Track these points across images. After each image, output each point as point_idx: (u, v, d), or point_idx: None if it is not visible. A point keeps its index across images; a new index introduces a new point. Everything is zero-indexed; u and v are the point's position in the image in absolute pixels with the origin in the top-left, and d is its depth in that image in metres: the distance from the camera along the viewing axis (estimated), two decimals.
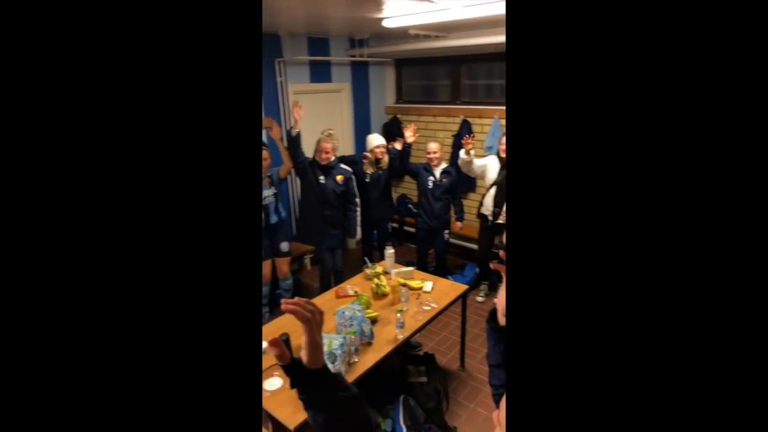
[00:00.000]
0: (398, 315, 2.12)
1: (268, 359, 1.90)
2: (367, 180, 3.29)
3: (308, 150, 3.03)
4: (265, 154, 2.85)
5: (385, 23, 2.91)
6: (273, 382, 1.74)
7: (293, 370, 0.61)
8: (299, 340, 0.60)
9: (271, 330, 2.10)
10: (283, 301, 0.58)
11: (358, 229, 3.15)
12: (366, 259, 3.02)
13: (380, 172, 3.31)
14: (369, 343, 2.04)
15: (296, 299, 0.60)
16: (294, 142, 2.78)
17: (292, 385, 0.62)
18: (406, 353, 2.72)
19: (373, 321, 2.18)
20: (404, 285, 2.43)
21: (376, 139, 3.32)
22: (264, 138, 2.98)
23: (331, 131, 3.02)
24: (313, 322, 0.60)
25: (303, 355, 0.61)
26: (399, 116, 4.58)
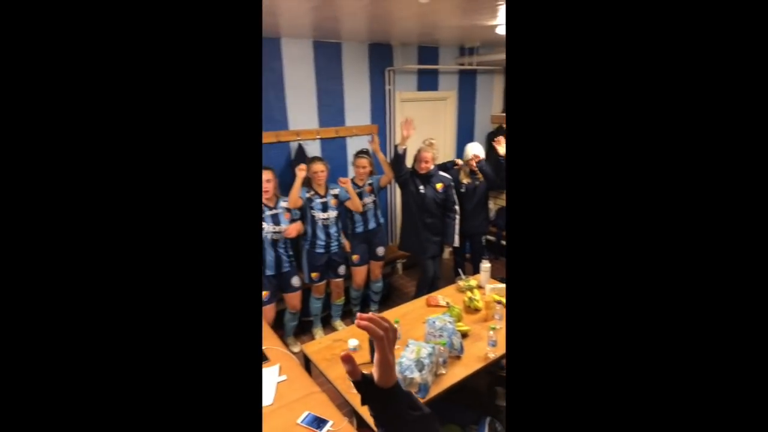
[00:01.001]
0: (491, 332, 2.02)
1: (358, 355, 1.96)
2: (463, 190, 3.22)
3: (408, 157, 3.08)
4: (365, 162, 2.96)
5: (499, 30, 2.83)
6: None
7: (364, 386, 0.60)
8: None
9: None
10: (358, 315, 0.58)
11: (456, 237, 3.10)
12: (459, 270, 2.95)
13: (477, 183, 3.22)
14: (458, 357, 1.99)
15: (371, 315, 0.58)
16: (399, 158, 2.87)
17: (363, 402, 0.60)
18: (496, 374, 2.58)
19: (464, 335, 2.12)
20: (499, 302, 2.32)
21: (473, 149, 3.24)
22: (368, 147, 3.11)
23: (432, 141, 3.02)
24: (386, 340, 0.58)
25: (374, 373, 0.59)
26: (505, 125, 4.42)
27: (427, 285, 3.16)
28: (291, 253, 2.75)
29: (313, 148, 3.27)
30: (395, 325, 0.61)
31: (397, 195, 3.88)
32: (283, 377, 1.86)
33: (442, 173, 3.04)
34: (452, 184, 3.05)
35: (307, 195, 2.79)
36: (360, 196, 2.99)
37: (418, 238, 3.07)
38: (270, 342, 2.15)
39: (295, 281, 2.80)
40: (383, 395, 0.59)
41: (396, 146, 2.89)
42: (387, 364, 0.58)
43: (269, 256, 2.63)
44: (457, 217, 3.07)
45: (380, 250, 3.22)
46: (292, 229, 2.63)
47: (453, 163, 3.31)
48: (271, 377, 1.85)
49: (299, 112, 3.20)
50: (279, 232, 2.61)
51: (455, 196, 3.07)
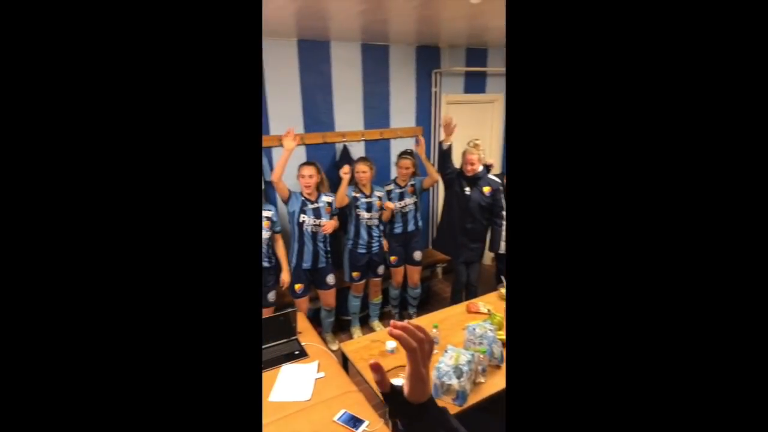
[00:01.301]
0: None
1: (395, 358, 1.96)
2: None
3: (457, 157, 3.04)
4: (408, 163, 2.96)
5: None
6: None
7: (393, 399, 0.56)
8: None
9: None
10: (392, 323, 0.54)
11: (503, 243, 3.02)
12: (502, 277, 2.87)
13: None
14: (498, 366, 1.93)
15: (406, 323, 0.54)
16: (445, 154, 2.87)
17: (391, 415, 0.57)
18: None
19: (504, 344, 2.06)
20: None
21: None
22: (413, 148, 3.10)
23: (477, 142, 2.97)
24: (420, 353, 0.53)
25: (405, 386, 0.55)
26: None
27: (460, 290, 3.11)
28: (329, 249, 2.79)
29: (357, 150, 3.31)
30: (434, 332, 0.59)
31: (439, 199, 3.84)
32: (321, 374, 1.89)
33: (491, 176, 2.97)
34: (501, 188, 2.96)
35: (353, 194, 2.83)
36: (401, 196, 2.99)
37: (453, 241, 3.03)
38: (309, 338, 2.20)
39: (330, 279, 2.84)
40: (414, 411, 0.55)
41: (441, 142, 2.88)
42: (419, 377, 0.54)
43: (307, 249, 2.69)
44: (505, 223, 2.99)
45: (417, 255, 3.20)
46: (329, 225, 2.67)
47: (488, 167, 3.20)
48: (309, 373, 1.89)
49: (345, 113, 3.25)
50: (319, 225, 2.67)
51: (503, 201, 2.99)
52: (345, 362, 2.10)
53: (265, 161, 2.92)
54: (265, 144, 2.92)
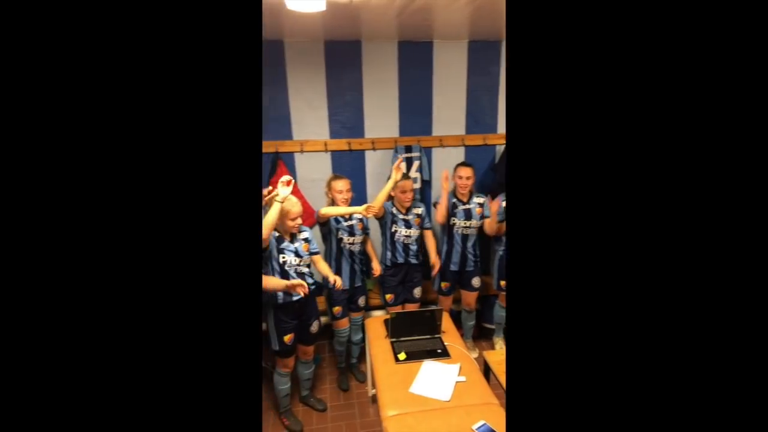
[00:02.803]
0: None
1: None
2: None
3: None
4: None
5: None
6: None
7: None
8: None
9: None
10: None
11: None
12: None
13: None
14: None
15: None
16: None
17: None
18: None
19: None
20: None
21: None
22: None
23: None
24: None
25: None
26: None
27: None
28: (477, 253, 2.78)
29: None
30: None
31: None
32: (463, 378, 1.87)
33: None
34: None
35: None
36: None
37: None
38: (452, 339, 2.19)
39: (476, 282, 2.81)
40: None
41: None
42: None
43: (456, 251, 2.70)
44: None
45: None
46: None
47: None
48: (450, 374, 1.89)
49: None
50: (469, 227, 2.65)
51: None
52: (486, 371, 2.04)
53: (425, 160, 3.03)
54: (426, 144, 3.02)
